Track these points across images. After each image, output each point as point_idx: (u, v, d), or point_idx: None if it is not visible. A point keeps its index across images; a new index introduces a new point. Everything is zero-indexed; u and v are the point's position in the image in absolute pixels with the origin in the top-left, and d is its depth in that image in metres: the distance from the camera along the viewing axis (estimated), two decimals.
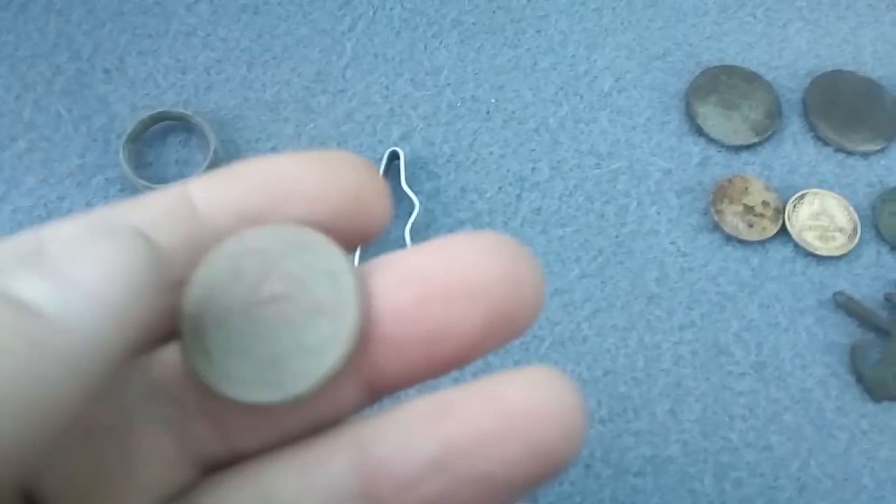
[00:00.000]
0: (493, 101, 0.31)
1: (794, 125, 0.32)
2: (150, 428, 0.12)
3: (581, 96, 0.32)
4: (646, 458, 0.26)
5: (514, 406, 0.10)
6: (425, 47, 0.32)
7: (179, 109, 0.29)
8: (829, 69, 0.33)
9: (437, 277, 0.12)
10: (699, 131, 0.31)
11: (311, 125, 0.30)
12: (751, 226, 0.29)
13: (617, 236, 0.29)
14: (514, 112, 0.31)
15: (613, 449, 0.26)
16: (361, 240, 0.13)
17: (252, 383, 0.12)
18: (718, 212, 0.30)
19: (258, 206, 0.12)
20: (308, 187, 0.12)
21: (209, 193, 0.12)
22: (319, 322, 0.12)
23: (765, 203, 0.30)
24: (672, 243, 0.29)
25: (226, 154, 0.29)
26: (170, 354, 0.12)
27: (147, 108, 0.29)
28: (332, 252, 0.12)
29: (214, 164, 0.28)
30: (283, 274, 0.12)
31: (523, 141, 0.31)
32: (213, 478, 0.13)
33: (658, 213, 0.30)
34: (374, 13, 0.33)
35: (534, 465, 0.10)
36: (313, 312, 0.12)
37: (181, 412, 0.12)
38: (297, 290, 0.12)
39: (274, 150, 0.30)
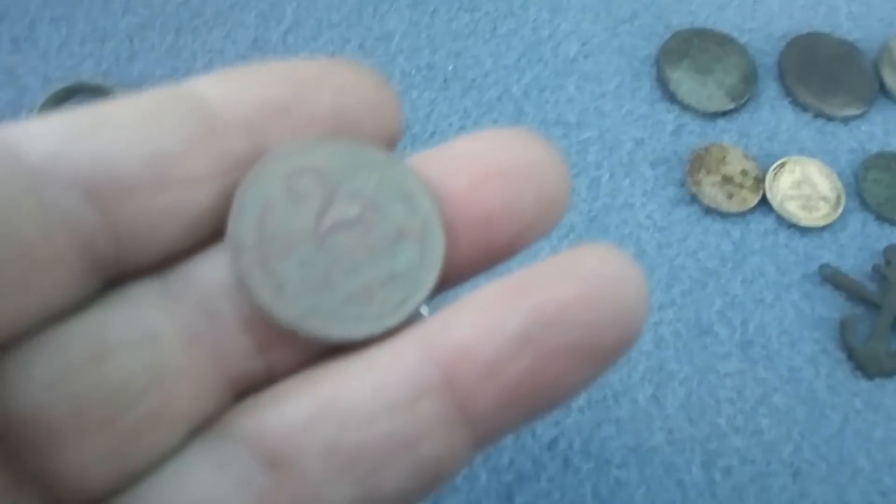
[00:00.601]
0: (450, 68, 0.29)
1: (770, 90, 0.30)
2: (178, 342, 0.11)
3: (545, 63, 0.29)
4: (629, 448, 0.24)
5: (594, 273, 0.10)
6: (374, 11, 0.29)
7: (98, 81, 0.26)
8: (805, 32, 0.31)
9: (490, 160, 0.11)
10: (672, 98, 0.29)
11: None
12: (730, 197, 0.27)
13: (589, 211, 0.27)
14: (473, 80, 0.29)
15: (593, 440, 0.24)
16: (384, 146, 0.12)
17: (339, 318, 0.11)
18: (696, 183, 0.28)
19: (284, 99, 0.11)
20: (335, 78, 0.11)
21: (224, 88, 0.11)
22: (405, 247, 0.11)
23: (744, 172, 0.28)
24: (648, 217, 0.27)
25: None
26: (200, 262, 0.11)
27: (61, 80, 0.26)
28: (400, 169, 0.11)
29: None
30: (352, 196, 0.11)
31: (484, 111, 0.28)
32: (250, 400, 0.11)
33: (632, 186, 0.28)
34: None
35: (617, 331, 0.10)
36: (396, 237, 0.11)
37: (214, 324, 0.11)
38: (372, 213, 0.11)
39: None
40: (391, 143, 0.12)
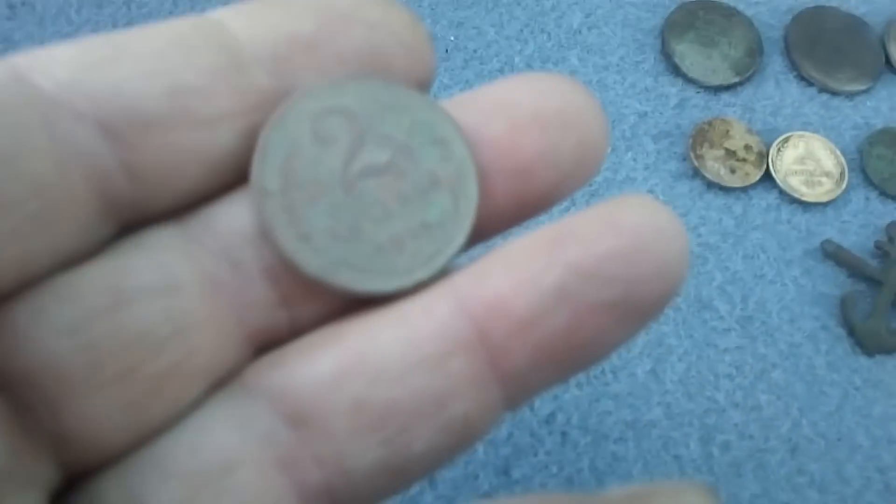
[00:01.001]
0: (451, 38, 0.29)
1: (775, 64, 0.30)
2: (199, 291, 0.10)
3: (548, 34, 0.29)
4: (626, 422, 0.24)
5: (634, 225, 0.10)
6: None
7: None
8: (811, 5, 0.31)
9: (528, 106, 0.11)
10: (676, 71, 0.29)
11: None
12: (733, 171, 0.27)
13: (590, 185, 0.27)
14: (475, 51, 0.28)
15: (591, 414, 0.24)
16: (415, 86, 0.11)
17: (367, 270, 0.10)
18: (698, 157, 0.27)
19: (313, 34, 0.11)
20: (368, 13, 0.11)
21: (249, 20, 0.10)
22: (437, 195, 0.10)
23: (747, 147, 0.28)
24: (650, 192, 0.27)
25: None
26: (222, 207, 0.11)
27: None
28: (435, 113, 0.11)
29: None
30: (382, 140, 0.10)
31: (486, 82, 0.28)
32: (274, 354, 0.11)
33: (634, 160, 0.27)
34: None
35: (657, 286, 0.10)
36: (429, 185, 0.10)
37: (236, 273, 0.10)
38: (403, 159, 0.10)
39: None
40: (424, 84, 0.11)
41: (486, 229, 0.11)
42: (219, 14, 0.11)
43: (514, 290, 0.10)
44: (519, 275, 0.10)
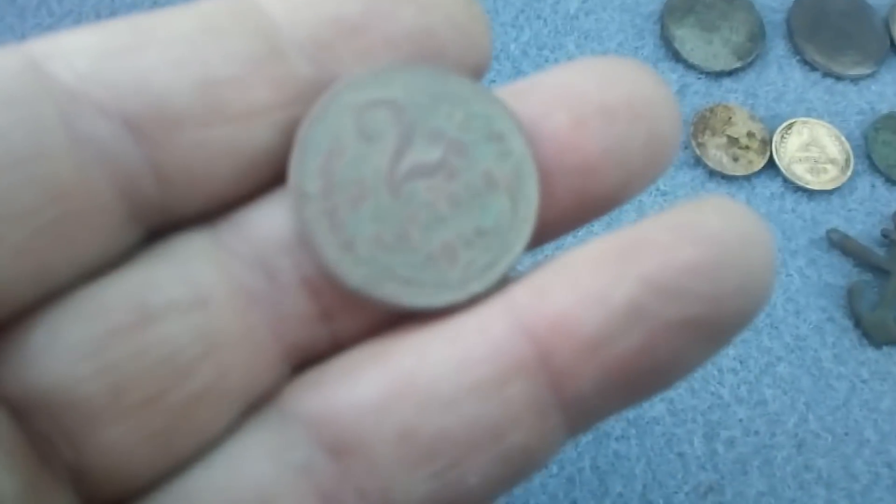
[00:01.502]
0: None
1: (778, 48, 0.29)
2: (232, 304, 0.09)
3: (545, 20, 0.28)
4: (628, 420, 0.23)
5: (716, 234, 0.09)
6: None
7: None
8: None
9: (593, 96, 0.09)
10: (676, 56, 0.28)
11: None
12: (736, 159, 0.26)
13: None
14: None
15: None
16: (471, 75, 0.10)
17: (416, 282, 0.09)
18: (700, 145, 0.27)
19: (357, 16, 0.09)
20: None
21: (287, 0, 0.10)
22: (494, 199, 0.09)
23: (750, 134, 0.27)
24: None
25: None
26: (257, 211, 0.10)
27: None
28: (491, 104, 0.10)
29: None
30: (433, 136, 0.09)
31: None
32: (312, 374, 0.10)
33: None
34: None
35: (742, 302, 0.09)
36: (484, 186, 0.09)
37: (272, 284, 0.10)
38: (456, 157, 0.10)
39: None
40: (479, 72, 0.10)
41: (545, 234, 0.10)
42: None
43: (580, 306, 0.09)
44: (585, 289, 0.09)
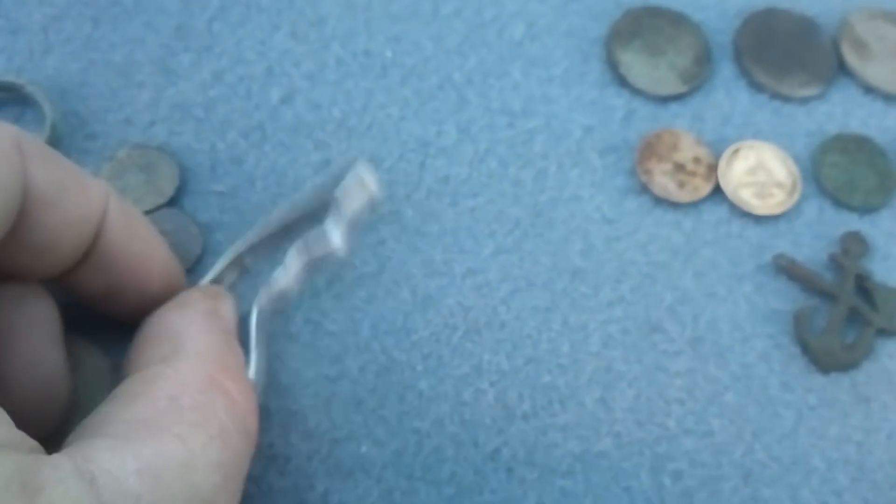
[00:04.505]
0: (388, 54, 0.27)
1: (725, 71, 0.29)
2: None
3: (489, 46, 0.28)
4: (575, 455, 0.23)
5: None
6: None
7: (9, 78, 0.24)
8: (762, 8, 0.30)
9: None
10: (622, 82, 0.28)
11: (172, 90, 0.25)
12: (682, 186, 0.26)
13: (535, 205, 0.26)
14: (413, 67, 0.27)
15: (538, 448, 0.23)
16: None
17: None
18: (646, 171, 0.26)
19: None
20: None
21: None
22: None
23: (696, 159, 0.27)
24: (597, 209, 0.26)
25: (67, 128, 0.25)
26: None
27: None
28: None
29: (53, 140, 0.24)
30: None
31: (425, 100, 0.27)
32: None
33: (580, 177, 0.26)
34: None
35: None
36: None
37: None
38: None
39: (127, 120, 0.25)
40: None
41: None
42: None
43: None
44: None
